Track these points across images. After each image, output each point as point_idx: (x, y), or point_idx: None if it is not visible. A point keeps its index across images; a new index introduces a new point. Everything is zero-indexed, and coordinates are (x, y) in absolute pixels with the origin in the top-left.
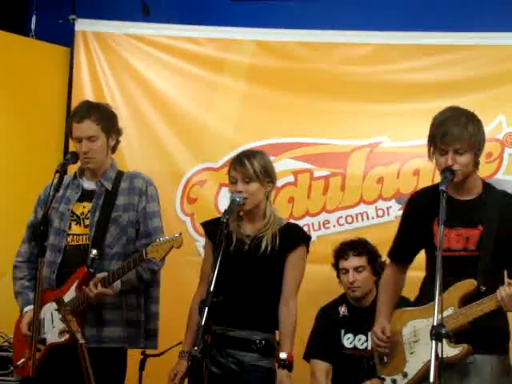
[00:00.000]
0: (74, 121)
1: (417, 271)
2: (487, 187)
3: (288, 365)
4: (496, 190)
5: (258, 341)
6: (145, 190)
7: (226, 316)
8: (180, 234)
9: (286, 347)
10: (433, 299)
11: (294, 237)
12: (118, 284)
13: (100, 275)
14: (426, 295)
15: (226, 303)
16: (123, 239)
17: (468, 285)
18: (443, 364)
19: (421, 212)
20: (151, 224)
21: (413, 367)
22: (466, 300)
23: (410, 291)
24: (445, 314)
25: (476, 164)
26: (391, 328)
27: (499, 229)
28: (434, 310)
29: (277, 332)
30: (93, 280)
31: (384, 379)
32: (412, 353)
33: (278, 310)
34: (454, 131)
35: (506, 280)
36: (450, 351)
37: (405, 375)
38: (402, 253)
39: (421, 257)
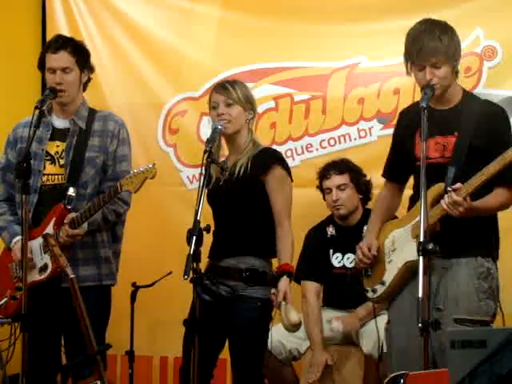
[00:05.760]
0: (49, 51)
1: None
2: (467, 95)
3: (289, 273)
4: (477, 98)
5: (243, 269)
6: (117, 133)
7: (216, 247)
8: (154, 165)
9: (285, 259)
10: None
11: (264, 160)
12: (84, 224)
13: (69, 216)
14: (410, 206)
15: (215, 235)
16: (96, 180)
17: (436, 188)
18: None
19: (405, 126)
20: (120, 167)
21: (389, 275)
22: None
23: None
24: (416, 219)
25: (456, 73)
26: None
27: (475, 135)
28: (412, 217)
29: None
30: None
31: (367, 291)
32: (390, 261)
33: (275, 234)
34: (429, 46)
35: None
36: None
37: (383, 283)
38: (393, 170)
39: None
